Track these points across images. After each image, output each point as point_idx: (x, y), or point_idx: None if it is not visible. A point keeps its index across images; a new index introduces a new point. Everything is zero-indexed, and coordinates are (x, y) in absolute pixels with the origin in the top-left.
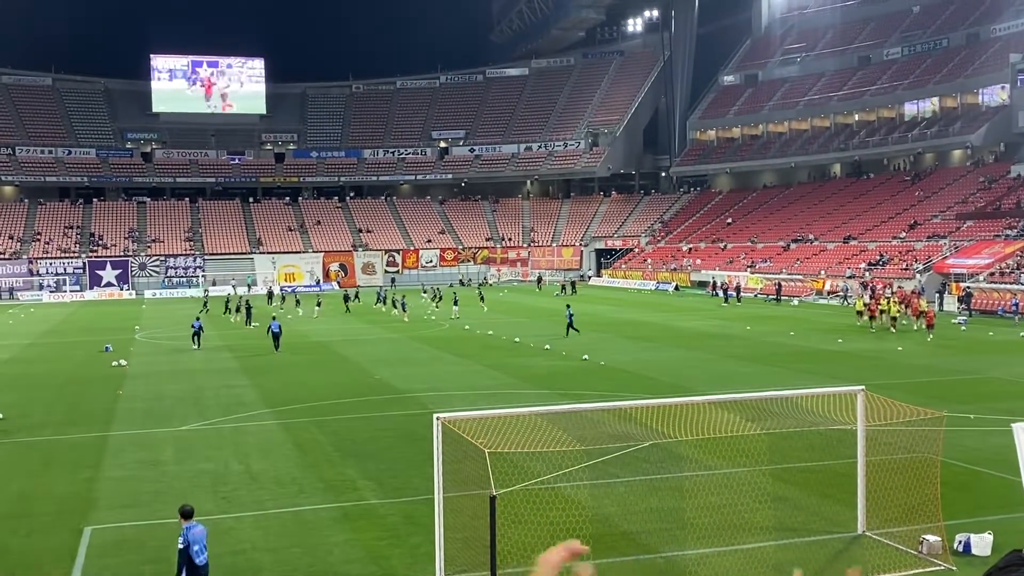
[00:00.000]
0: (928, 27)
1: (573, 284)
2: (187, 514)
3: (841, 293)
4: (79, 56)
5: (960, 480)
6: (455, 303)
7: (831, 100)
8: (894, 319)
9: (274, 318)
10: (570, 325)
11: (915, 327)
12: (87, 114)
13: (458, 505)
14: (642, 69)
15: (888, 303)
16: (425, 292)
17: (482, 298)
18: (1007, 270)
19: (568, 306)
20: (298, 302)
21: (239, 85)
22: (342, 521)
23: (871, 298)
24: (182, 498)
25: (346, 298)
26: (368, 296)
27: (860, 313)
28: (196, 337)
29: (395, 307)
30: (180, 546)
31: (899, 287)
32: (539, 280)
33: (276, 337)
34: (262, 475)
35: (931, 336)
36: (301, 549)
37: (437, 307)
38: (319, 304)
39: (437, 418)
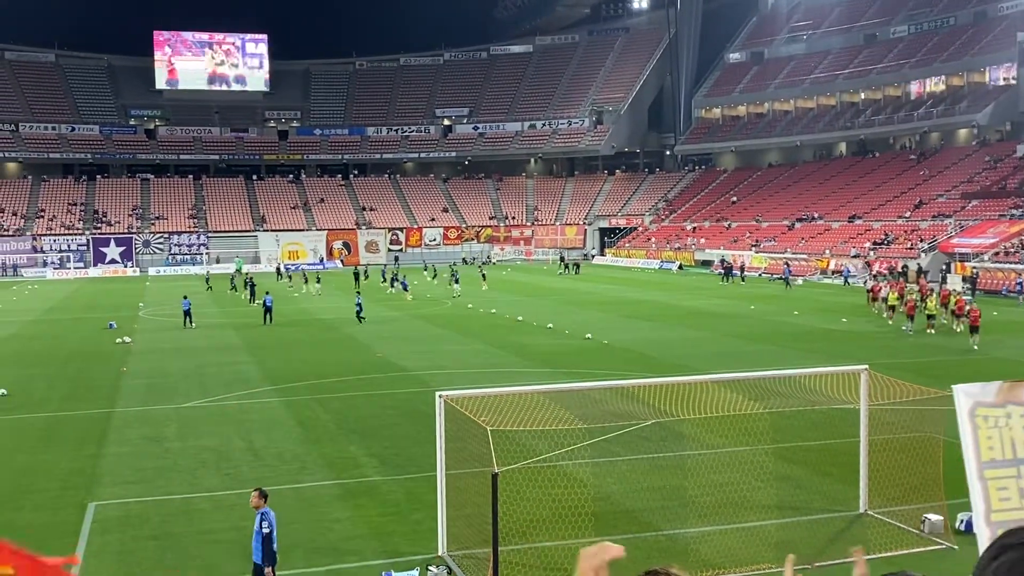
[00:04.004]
0: (935, 5)
1: (577, 265)
2: (268, 496)
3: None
4: (82, 32)
5: (962, 459)
6: (456, 280)
7: (837, 78)
8: (931, 318)
9: (267, 293)
10: (358, 314)
11: (956, 328)
12: (90, 91)
13: (460, 482)
14: (647, 46)
15: (931, 301)
16: (426, 270)
17: (483, 276)
18: (1012, 249)
19: (359, 293)
20: (306, 280)
21: (243, 62)
22: (344, 498)
23: (898, 294)
24: (186, 474)
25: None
26: (375, 274)
27: (893, 308)
28: (187, 317)
29: (392, 286)
30: (265, 531)
31: (943, 288)
32: (561, 259)
33: (268, 311)
34: (264, 452)
35: (977, 343)
36: (303, 525)
37: (435, 282)
38: (319, 281)
39: (439, 396)
